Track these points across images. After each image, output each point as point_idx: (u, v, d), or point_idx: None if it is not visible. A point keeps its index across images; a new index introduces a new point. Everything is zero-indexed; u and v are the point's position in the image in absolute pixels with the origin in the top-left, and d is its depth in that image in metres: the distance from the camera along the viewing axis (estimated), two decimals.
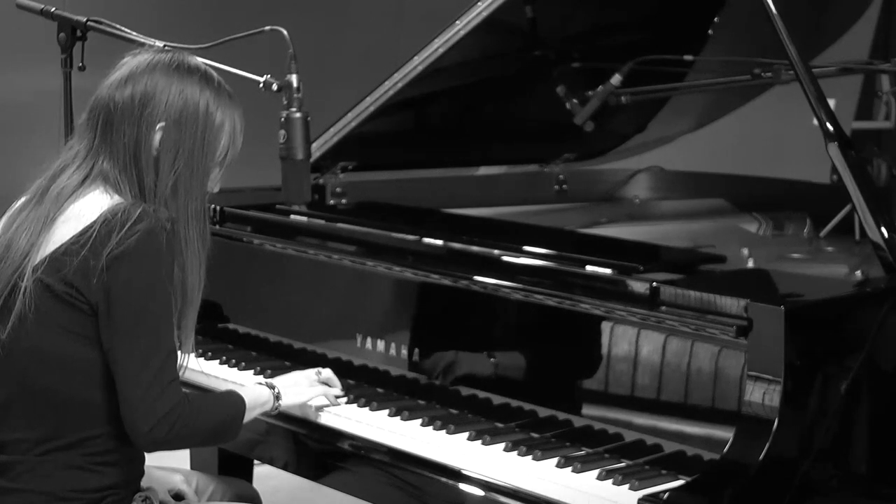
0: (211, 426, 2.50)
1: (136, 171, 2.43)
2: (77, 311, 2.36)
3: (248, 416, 2.58)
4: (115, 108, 2.44)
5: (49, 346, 2.38)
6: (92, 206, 2.41)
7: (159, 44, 2.81)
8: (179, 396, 2.39)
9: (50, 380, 2.40)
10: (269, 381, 2.73)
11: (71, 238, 2.37)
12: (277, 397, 2.69)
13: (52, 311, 2.37)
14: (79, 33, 2.98)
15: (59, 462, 2.41)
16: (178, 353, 2.49)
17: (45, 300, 2.37)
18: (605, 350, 2.58)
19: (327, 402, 2.81)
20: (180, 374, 2.47)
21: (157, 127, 2.43)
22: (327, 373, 2.84)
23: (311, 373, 2.83)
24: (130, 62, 2.49)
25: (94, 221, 2.36)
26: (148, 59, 2.48)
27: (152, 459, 2.67)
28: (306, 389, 2.77)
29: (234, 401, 2.57)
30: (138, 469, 2.54)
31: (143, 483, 2.59)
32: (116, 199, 2.42)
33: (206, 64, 2.59)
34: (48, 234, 2.40)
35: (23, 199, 2.52)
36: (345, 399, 2.84)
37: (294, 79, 2.71)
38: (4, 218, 2.53)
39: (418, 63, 3.40)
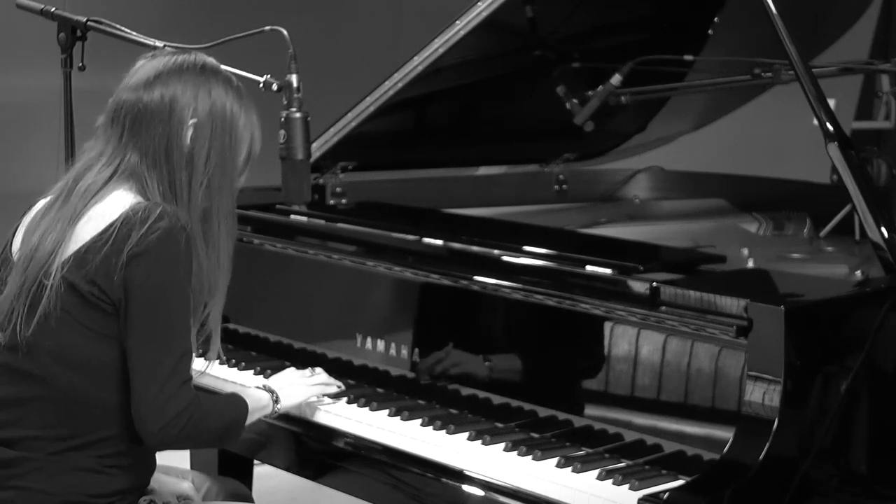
0: (218, 428, 2.51)
1: (167, 169, 2.44)
2: (100, 311, 2.37)
3: (249, 420, 2.59)
4: (144, 109, 2.45)
5: (72, 345, 2.39)
6: (115, 205, 2.41)
7: (159, 44, 2.81)
8: (191, 397, 2.40)
9: (70, 379, 2.40)
10: (266, 384, 2.74)
11: (94, 237, 2.38)
12: (276, 401, 2.70)
13: (76, 310, 2.38)
14: (79, 33, 2.97)
15: (70, 463, 2.41)
16: (211, 340, 2.53)
17: (70, 299, 2.38)
18: (605, 350, 2.58)
19: (325, 401, 2.82)
20: (206, 368, 2.52)
21: (189, 123, 2.45)
22: (319, 371, 2.85)
23: (305, 372, 2.84)
24: (152, 64, 2.51)
25: (116, 220, 2.37)
26: (172, 61, 2.50)
27: (158, 460, 2.68)
28: (302, 389, 2.78)
29: (238, 404, 2.59)
30: (147, 476, 2.55)
31: (154, 487, 2.60)
32: (140, 198, 2.43)
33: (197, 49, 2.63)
34: (73, 232, 2.41)
35: (45, 201, 2.52)
36: (344, 398, 2.84)
37: (294, 79, 2.71)
38: (27, 220, 2.53)
39: (418, 63, 3.40)
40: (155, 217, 2.35)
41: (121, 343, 2.38)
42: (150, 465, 2.55)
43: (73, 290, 2.37)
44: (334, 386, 2.84)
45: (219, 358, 2.62)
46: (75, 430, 2.41)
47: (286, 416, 2.80)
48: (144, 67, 2.51)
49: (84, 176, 2.47)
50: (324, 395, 2.83)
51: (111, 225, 2.37)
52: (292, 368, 2.88)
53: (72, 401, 2.41)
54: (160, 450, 2.47)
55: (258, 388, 2.72)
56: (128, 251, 2.33)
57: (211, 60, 2.54)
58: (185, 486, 2.75)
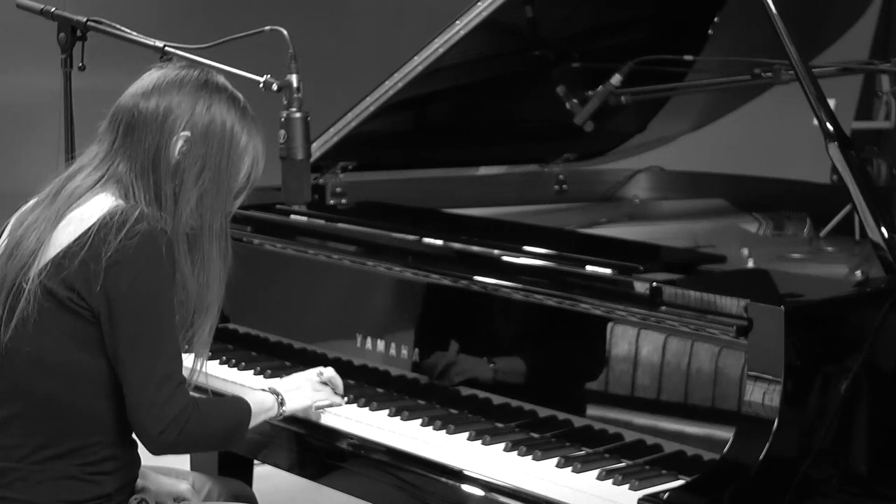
0: (219, 430, 2.50)
1: (153, 178, 2.42)
2: (79, 318, 2.35)
3: (253, 422, 2.58)
4: (138, 115, 2.43)
5: (50, 351, 2.37)
6: (94, 209, 2.39)
7: (159, 44, 2.81)
8: (188, 399, 2.39)
9: (50, 386, 2.38)
10: (272, 387, 2.72)
11: (71, 242, 2.36)
12: (282, 403, 2.69)
13: (55, 316, 2.36)
14: (79, 33, 2.97)
15: (53, 472, 2.40)
16: (192, 360, 2.50)
17: (47, 304, 2.36)
18: (605, 350, 2.57)
19: (329, 404, 2.81)
20: (194, 378, 2.48)
21: (180, 134, 2.42)
22: (329, 372, 2.83)
23: (312, 374, 2.82)
24: (158, 73, 2.49)
25: (93, 224, 2.35)
26: (176, 73, 2.48)
27: (156, 462, 2.67)
28: (310, 393, 2.76)
29: (240, 407, 2.57)
30: (132, 474, 2.53)
31: (147, 486, 2.59)
32: (120, 202, 2.41)
33: (207, 64, 2.60)
34: (52, 236, 2.39)
35: (36, 199, 2.51)
36: (345, 399, 2.84)
37: (294, 79, 2.71)
38: (15, 215, 2.52)
39: (418, 63, 3.40)
40: (133, 220, 2.33)
41: (101, 350, 2.36)
42: (135, 465, 2.53)
43: (51, 295, 2.36)
44: (340, 392, 2.82)
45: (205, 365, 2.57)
46: (57, 438, 2.39)
47: (286, 417, 2.79)
48: (150, 75, 2.48)
49: (74, 178, 2.46)
50: (331, 401, 2.81)
51: (89, 229, 2.35)
52: (298, 372, 2.84)
53: (53, 408, 2.39)
54: (161, 454, 2.45)
55: (263, 390, 2.71)
56: (107, 258, 2.31)
57: (219, 77, 2.51)
58: (183, 487, 2.74)
